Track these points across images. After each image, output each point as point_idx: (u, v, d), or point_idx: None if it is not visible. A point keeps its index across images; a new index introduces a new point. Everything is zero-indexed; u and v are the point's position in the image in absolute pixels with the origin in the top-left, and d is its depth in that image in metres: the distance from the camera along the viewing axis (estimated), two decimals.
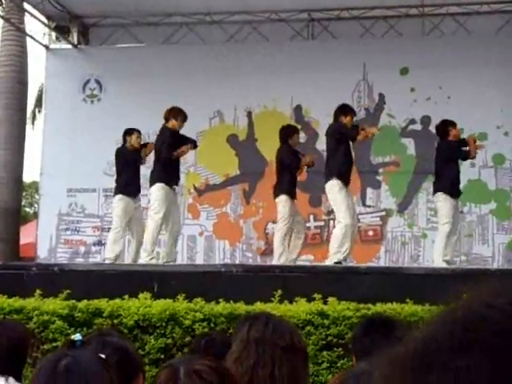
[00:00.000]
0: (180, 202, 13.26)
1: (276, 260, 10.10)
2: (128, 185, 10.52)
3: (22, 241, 13.98)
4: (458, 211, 10.25)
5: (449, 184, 9.87)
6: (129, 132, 10.70)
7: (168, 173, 10.06)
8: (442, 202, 9.98)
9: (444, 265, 9.59)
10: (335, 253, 9.51)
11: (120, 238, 10.58)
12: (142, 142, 10.85)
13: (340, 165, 9.71)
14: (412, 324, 6.71)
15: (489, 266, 11.92)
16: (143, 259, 10.06)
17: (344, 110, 10.06)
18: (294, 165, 10.34)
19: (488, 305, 0.59)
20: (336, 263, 9.40)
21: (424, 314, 6.87)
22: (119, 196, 10.58)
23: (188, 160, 12.71)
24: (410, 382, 0.57)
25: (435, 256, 10.08)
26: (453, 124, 10.19)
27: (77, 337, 2.57)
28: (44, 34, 14.55)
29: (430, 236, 12.44)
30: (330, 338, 7.06)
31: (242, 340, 2.76)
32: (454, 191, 9.91)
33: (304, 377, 2.78)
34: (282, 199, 10.14)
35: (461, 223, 11.98)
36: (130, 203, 10.50)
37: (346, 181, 9.73)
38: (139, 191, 10.71)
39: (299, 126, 12.99)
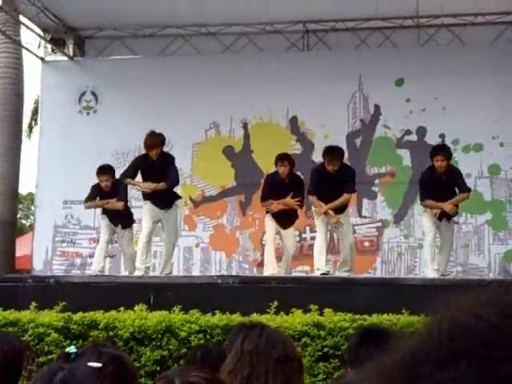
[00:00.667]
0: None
1: (265, 271, 10.22)
2: (106, 214, 10.65)
3: (18, 253, 13.94)
4: (445, 222, 10.13)
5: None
6: (97, 173, 10.61)
7: (151, 193, 10.10)
8: (423, 213, 10.11)
9: (435, 274, 9.61)
10: (316, 262, 9.84)
11: (101, 253, 10.65)
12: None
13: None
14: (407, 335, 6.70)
15: (485, 277, 11.91)
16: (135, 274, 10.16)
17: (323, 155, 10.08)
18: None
19: (475, 315, 0.59)
20: (322, 274, 9.56)
21: (420, 325, 6.86)
22: (102, 215, 10.77)
23: (184, 172, 12.72)
24: None
25: (426, 267, 10.16)
26: (434, 154, 9.92)
27: (72, 349, 2.56)
28: (39, 46, 14.57)
29: None
30: (326, 349, 7.05)
31: (236, 352, 2.76)
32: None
33: None
34: (267, 215, 10.31)
35: (456, 234, 12.01)
36: (110, 226, 10.62)
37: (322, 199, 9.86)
38: (122, 222, 10.63)
39: (295, 138, 13.05)
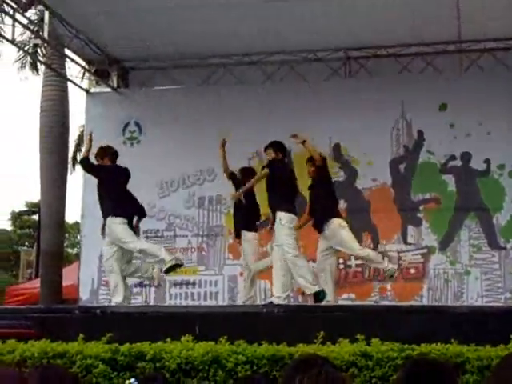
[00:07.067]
0: (221, 243, 13.31)
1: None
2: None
3: (66, 282, 14.07)
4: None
5: None
6: None
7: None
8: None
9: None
10: None
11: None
12: None
13: None
14: (458, 365, 6.59)
15: None
16: None
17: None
18: None
19: None
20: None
21: (470, 355, 6.75)
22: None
23: (228, 200, 12.74)
24: None
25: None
26: None
27: (132, 382, 2.56)
28: (82, 78, 14.74)
29: (473, 273, 12.30)
30: (374, 379, 6.95)
31: None
32: None
33: None
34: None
35: (505, 260, 11.89)
36: None
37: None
38: None
39: (338, 165, 13.00)
